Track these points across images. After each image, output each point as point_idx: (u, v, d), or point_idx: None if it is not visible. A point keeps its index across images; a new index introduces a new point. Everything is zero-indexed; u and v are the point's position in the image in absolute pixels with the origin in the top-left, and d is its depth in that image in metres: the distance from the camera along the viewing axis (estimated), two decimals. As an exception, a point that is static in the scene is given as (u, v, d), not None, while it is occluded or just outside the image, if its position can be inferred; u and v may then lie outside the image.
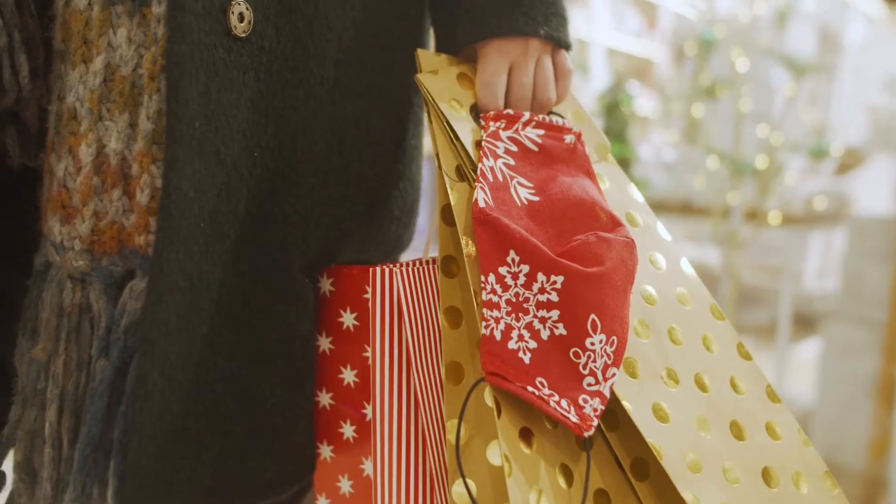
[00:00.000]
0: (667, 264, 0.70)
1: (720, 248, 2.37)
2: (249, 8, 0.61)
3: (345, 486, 0.71)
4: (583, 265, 0.61)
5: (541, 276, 0.61)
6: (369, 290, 0.65)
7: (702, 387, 0.65)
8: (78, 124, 0.61)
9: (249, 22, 0.61)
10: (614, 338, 0.60)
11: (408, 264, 0.66)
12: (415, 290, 0.65)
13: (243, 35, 0.61)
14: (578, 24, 4.17)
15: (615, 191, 0.73)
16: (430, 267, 0.67)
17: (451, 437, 0.58)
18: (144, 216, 0.60)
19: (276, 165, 0.65)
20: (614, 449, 0.62)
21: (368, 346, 0.68)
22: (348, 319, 0.69)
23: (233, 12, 0.60)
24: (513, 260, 0.61)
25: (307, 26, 0.65)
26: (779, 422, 0.67)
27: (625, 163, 2.46)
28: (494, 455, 0.57)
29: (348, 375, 0.69)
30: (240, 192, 0.62)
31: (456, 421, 0.58)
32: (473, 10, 0.71)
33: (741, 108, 2.30)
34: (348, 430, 0.70)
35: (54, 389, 0.60)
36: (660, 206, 2.61)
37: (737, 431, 0.64)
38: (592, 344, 0.60)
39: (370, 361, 0.65)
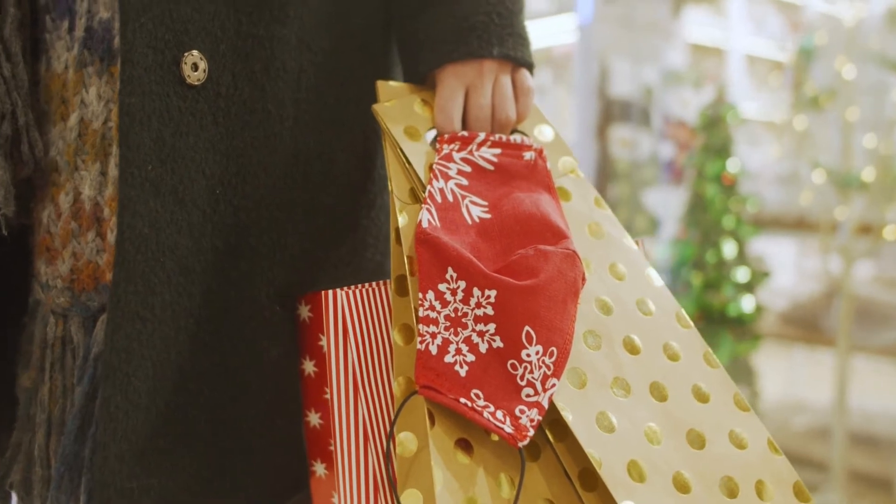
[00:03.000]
0: (630, 274, 0.69)
1: (836, 263, 2.23)
2: (204, 58, 0.67)
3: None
4: (517, 278, 0.62)
5: (476, 291, 0.62)
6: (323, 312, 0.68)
7: (658, 396, 0.63)
8: (59, 175, 0.68)
9: (204, 71, 0.67)
10: (553, 349, 0.60)
11: (365, 285, 0.68)
12: (367, 309, 0.67)
13: (198, 83, 0.66)
14: (713, 33, 4.06)
15: (580, 203, 0.73)
16: (388, 287, 0.69)
17: (399, 450, 0.60)
18: (114, 254, 0.66)
19: (239, 201, 0.69)
20: (562, 459, 0.61)
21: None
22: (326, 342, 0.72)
23: (186, 63, 0.66)
24: (451, 276, 0.63)
25: (263, 70, 0.70)
26: (746, 430, 0.64)
27: (730, 179, 2.38)
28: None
29: None
30: (203, 228, 0.67)
31: (408, 433, 0.60)
32: (429, 39, 0.74)
33: (848, 118, 2.17)
34: None
35: (42, 414, 0.67)
36: (773, 223, 2.49)
37: (695, 440, 0.62)
38: (528, 355, 0.60)
39: (328, 378, 0.68)
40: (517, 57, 0.74)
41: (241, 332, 0.70)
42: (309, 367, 0.74)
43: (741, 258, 2.36)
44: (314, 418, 0.74)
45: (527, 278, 0.62)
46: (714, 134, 2.41)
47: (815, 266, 2.65)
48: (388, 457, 0.58)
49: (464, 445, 0.60)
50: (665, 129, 2.86)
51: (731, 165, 2.38)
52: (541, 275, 0.62)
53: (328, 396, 0.68)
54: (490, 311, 0.61)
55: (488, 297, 0.62)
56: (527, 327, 0.60)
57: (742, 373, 2.41)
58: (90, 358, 0.66)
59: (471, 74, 0.73)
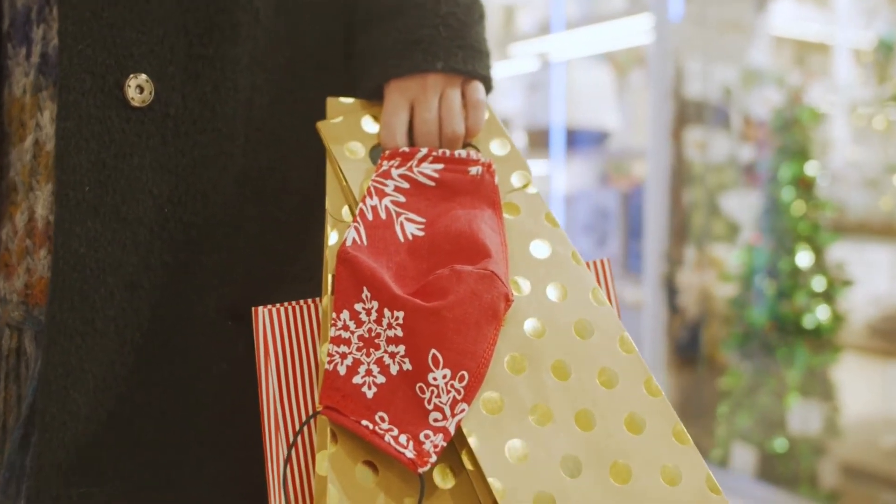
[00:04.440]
0: (570, 295, 0.67)
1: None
2: (150, 80, 0.68)
3: None
4: (427, 300, 0.61)
5: (387, 312, 0.61)
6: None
7: (584, 424, 0.61)
8: (17, 195, 0.71)
9: (150, 93, 0.68)
10: (464, 373, 0.59)
11: (296, 302, 0.68)
12: (297, 326, 0.67)
13: (143, 105, 0.68)
14: (816, 27, 3.87)
15: (528, 220, 0.71)
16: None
17: (317, 468, 0.59)
18: (50, 272, 0.68)
19: (190, 219, 0.70)
20: (476, 487, 0.59)
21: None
22: (281, 357, 0.72)
23: (129, 85, 0.67)
24: (366, 296, 0.62)
25: (214, 90, 0.71)
26: (682, 464, 0.60)
27: (807, 183, 2.25)
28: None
29: None
30: (150, 245, 0.69)
31: (324, 452, 0.60)
32: (377, 55, 0.74)
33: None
34: None
35: None
36: (859, 228, 2.35)
37: (620, 473, 0.59)
38: (435, 379, 0.59)
39: (259, 394, 0.68)
40: (466, 70, 0.72)
41: (191, 346, 0.71)
42: None
43: (819, 266, 2.23)
44: None
45: (436, 299, 0.60)
46: (789, 135, 2.29)
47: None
48: (283, 479, 0.58)
49: (372, 467, 0.59)
50: (746, 130, 2.74)
51: (810, 168, 2.26)
52: (449, 296, 0.60)
53: (263, 409, 0.69)
54: (400, 332, 0.60)
55: (397, 318, 0.61)
56: (433, 350, 0.59)
57: (819, 387, 2.29)
58: (36, 370, 0.68)
59: (415, 89, 0.72)
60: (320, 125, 0.72)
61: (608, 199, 3.27)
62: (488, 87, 0.76)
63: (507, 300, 0.63)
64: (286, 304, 0.67)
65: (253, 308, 0.67)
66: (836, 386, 2.34)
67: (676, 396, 2.63)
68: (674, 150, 2.68)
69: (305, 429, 0.66)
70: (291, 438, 0.64)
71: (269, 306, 0.67)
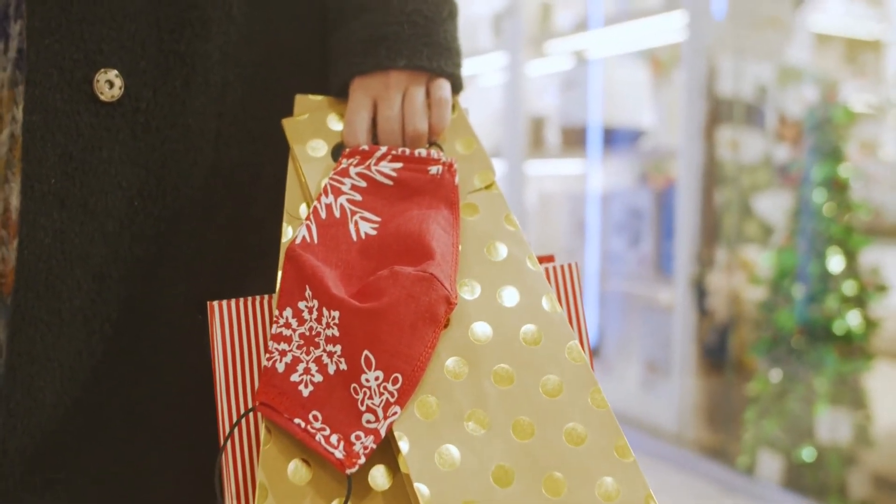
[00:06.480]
0: (521, 300, 0.65)
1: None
2: (120, 75, 0.69)
3: None
4: (362, 300, 0.60)
5: (325, 312, 0.61)
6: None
7: (522, 433, 0.59)
8: None
9: (120, 88, 0.69)
10: (397, 375, 0.58)
11: (253, 298, 0.68)
12: (254, 321, 0.67)
13: (113, 100, 0.69)
14: (869, 25, 3.77)
15: (487, 221, 0.70)
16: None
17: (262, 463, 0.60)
18: (15, 263, 0.70)
19: (160, 212, 0.71)
20: (409, 491, 0.59)
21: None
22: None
23: (99, 80, 0.68)
24: (308, 295, 0.62)
25: (184, 85, 0.72)
26: (621, 479, 0.58)
27: (840, 185, 2.18)
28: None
29: None
30: (120, 237, 0.70)
31: (268, 447, 0.60)
32: (343, 52, 0.74)
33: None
34: None
35: None
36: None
37: (552, 485, 0.58)
38: (367, 380, 0.59)
39: (214, 387, 0.68)
40: (431, 67, 0.72)
41: (160, 338, 0.72)
42: None
43: (851, 270, 2.17)
44: None
45: (371, 300, 0.60)
46: (821, 135, 2.22)
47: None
48: (218, 473, 0.59)
49: (307, 465, 0.59)
50: (781, 129, 2.67)
51: (843, 170, 2.19)
52: (384, 297, 0.60)
53: (217, 403, 0.69)
54: (336, 332, 0.60)
55: (333, 317, 0.61)
56: (366, 351, 0.59)
57: (850, 394, 2.22)
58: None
59: (377, 86, 0.71)
60: (285, 122, 0.73)
61: (642, 198, 3.23)
62: (457, 85, 0.75)
63: (449, 303, 0.62)
64: (241, 298, 0.67)
65: (208, 302, 0.68)
66: (868, 394, 2.27)
67: (704, 401, 2.59)
68: (706, 150, 2.63)
69: (254, 424, 0.67)
70: (238, 434, 0.65)
71: (224, 300, 0.67)
